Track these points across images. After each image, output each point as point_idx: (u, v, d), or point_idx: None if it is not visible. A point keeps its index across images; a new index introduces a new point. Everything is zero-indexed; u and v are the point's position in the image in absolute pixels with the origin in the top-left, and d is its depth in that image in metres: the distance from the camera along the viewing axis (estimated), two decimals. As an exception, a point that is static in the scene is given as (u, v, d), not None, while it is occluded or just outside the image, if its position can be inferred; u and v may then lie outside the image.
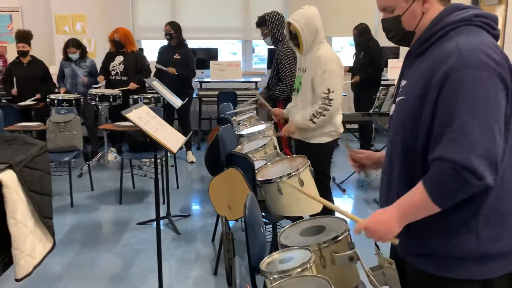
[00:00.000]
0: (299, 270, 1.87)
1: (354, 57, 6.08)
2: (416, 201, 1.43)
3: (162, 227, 4.09)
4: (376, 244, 1.86)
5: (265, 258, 2.02)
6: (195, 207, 4.65)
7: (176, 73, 5.69)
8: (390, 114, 1.71)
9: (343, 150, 6.48)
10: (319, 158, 3.26)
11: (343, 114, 3.49)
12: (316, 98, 3.17)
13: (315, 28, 3.14)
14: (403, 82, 1.60)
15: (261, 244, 2.20)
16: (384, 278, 1.75)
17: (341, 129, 3.39)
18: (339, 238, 2.06)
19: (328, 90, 3.09)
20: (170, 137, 2.61)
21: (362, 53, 5.87)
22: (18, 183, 1.99)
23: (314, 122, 3.15)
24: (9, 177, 1.94)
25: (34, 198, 2.09)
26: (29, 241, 2.05)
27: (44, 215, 2.18)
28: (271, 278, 1.88)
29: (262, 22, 4.37)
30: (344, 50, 7.95)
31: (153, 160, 5.44)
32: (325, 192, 3.23)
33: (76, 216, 4.34)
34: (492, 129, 1.32)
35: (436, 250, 1.49)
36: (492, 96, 1.34)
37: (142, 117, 2.53)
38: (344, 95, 6.60)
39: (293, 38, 3.25)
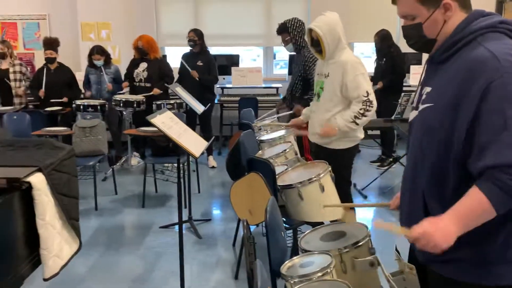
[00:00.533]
0: (319, 274, 1.89)
1: (376, 63, 6.07)
2: (475, 208, 1.38)
3: (183, 231, 4.14)
4: (397, 250, 1.86)
5: (286, 262, 2.04)
6: (216, 211, 4.70)
7: (198, 78, 5.77)
8: (410, 121, 1.71)
9: (364, 157, 6.46)
10: (340, 163, 3.26)
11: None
12: (350, 102, 3.18)
13: (337, 34, 3.16)
14: (427, 89, 1.58)
15: (282, 248, 2.23)
16: (404, 283, 1.75)
17: (362, 135, 3.39)
18: (360, 244, 2.07)
19: (367, 92, 3.12)
20: (193, 142, 2.66)
21: (384, 59, 5.86)
22: (47, 185, 2.06)
23: (357, 124, 3.15)
24: (39, 180, 2.01)
25: (62, 200, 2.16)
26: (56, 242, 2.11)
27: (71, 217, 2.25)
28: (292, 282, 1.90)
29: (283, 29, 4.39)
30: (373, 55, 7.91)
31: (175, 164, 5.52)
32: (346, 198, 3.23)
33: (100, 219, 4.43)
34: None
35: (461, 255, 1.48)
36: None
37: (166, 122, 2.59)
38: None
39: (314, 44, 3.27)
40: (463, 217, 1.40)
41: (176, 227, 4.11)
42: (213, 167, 6.05)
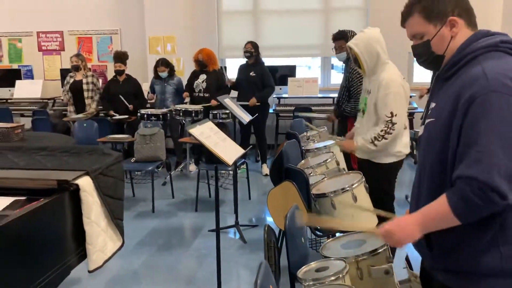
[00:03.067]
0: (332, 278, 2.00)
1: (433, 75, 5.95)
2: (439, 212, 1.50)
3: (230, 235, 4.34)
4: (407, 259, 1.93)
5: (303, 267, 2.17)
6: (264, 218, 4.85)
7: (258, 103, 6.06)
8: (419, 136, 1.78)
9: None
10: (384, 178, 3.26)
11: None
12: (378, 121, 3.18)
13: (375, 50, 3.14)
14: (433, 104, 1.67)
15: (302, 253, 2.34)
16: (410, 291, 1.82)
17: (407, 150, 3.33)
18: (377, 252, 2.15)
19: (391, 113, 3.06)
20: (229, 151, 2.85)
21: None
22: (93, 187, 2.32)
23: (375, 145, 3.12)
24: (86, 183, 2.28)
25: (107, 201, 2.42)
26: (101, 239, 2.37)
27: (115, 216, 2.50)
28: (306, 285, 2.03)
29: (342, 36, 4.46)
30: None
31: (230, 171, 5.74)
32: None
33: (156, 220, 4.74)
34: None
35: (461, 266, 1.54)
36: None
37: (205, 132, 2.80)
38: (421, 111, 6.46)
39: (355, 61, 3.33)
40: (427, 219, 1.54)
41: (225, 230, 4.33)
42: (266, 174, 6.22)
